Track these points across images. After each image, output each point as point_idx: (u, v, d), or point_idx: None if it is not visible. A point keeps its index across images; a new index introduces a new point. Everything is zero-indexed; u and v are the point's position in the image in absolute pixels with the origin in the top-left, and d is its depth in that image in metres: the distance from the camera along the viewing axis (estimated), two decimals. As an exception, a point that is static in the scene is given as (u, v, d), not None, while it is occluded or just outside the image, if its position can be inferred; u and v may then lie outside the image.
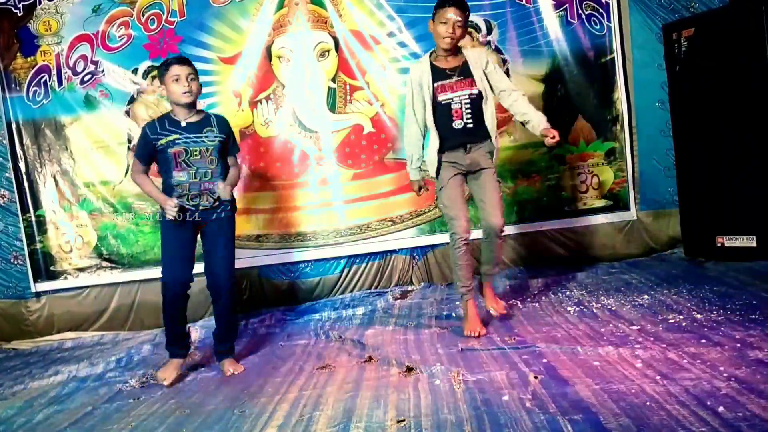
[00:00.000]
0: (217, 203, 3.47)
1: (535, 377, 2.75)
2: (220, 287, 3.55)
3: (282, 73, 4.96)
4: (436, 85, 3.48)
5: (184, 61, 3.44)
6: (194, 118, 3.46)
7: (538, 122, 3.44)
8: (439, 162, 3.54)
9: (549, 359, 2.96)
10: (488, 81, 3.52)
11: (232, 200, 3.56)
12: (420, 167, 3.69)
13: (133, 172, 3.58)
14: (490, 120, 3.52)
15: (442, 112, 3.51)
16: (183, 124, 3.42)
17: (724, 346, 2.80)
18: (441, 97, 3.49)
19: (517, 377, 2.79)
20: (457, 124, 3.48)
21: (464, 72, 3.49)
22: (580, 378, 2.66)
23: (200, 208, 3.44)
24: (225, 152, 3.53)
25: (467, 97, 3.48)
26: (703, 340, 2.92)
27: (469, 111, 3.47)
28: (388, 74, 4.97)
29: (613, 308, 3.72)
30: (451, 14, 3.38)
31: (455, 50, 3.51)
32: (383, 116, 4.97)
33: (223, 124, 3.54)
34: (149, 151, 3.45)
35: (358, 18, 4.93)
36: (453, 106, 3.48)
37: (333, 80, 4.98)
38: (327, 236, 5.04)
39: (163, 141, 3.37)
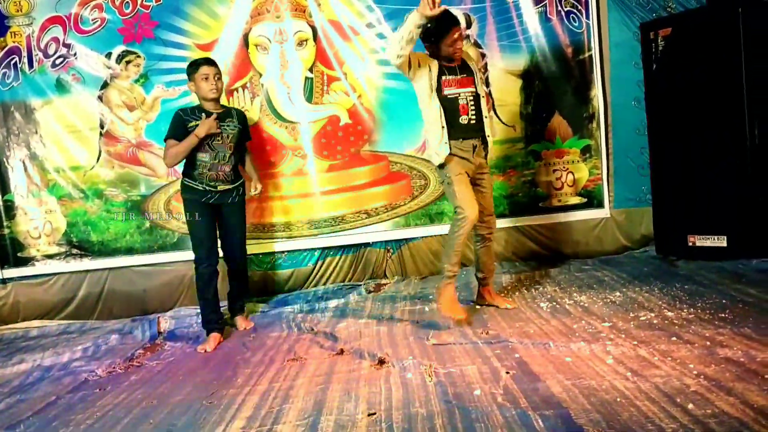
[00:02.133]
0: (232, 187, 3.99)
1: (507, 372, 2.75)
2: (236, 261, 4.18)
3: (259, 61, 4.90)
4: (443, 78, 3.54)
5: (211, 61, 3.96)
6: (219, 110, 3.93)
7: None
8: (452, 153, 3.57)
9: (521, 354, 2.96)
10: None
11: (244, 185, 4.14)
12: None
13: (166, 150, 3.88)
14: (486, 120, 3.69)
15: (448, 107, 3.54)
16: (211, 113, 3.88)
17: (694, 344, 2.82)
18: (447, 92, 3.54)
19: (489, 372, 2.78)
20: (464, 120, 3.56)
21: (466, 70, 3.62)
22: (551, 373, 2.67)
23: (219, 189, 3.93)
24: (242, 140, 4.08)
25: (471, 94, 3.58)
26: (674, 338, 2.95)
27: (473, 107, 3.57)
28: (367, 65, 4.93)
29: (586, 305, 3.73)
30: (457, 34, 3.50)
31: None
32: (360, 108, 4.93)
33: (241, 116, 4.09)
34: (182, 131, 3.84)
35: (337, 8, 4.88)
36: (459, 101, 3.55)
37: (310, 70, 4.93)
38: (301, 227, 5.00)
39: (192, 123, 3.84)
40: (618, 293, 3.88)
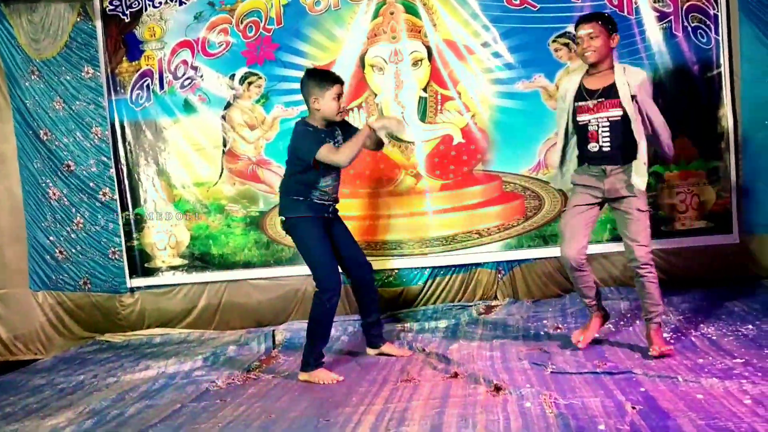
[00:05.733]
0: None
1: (633, 407, 2.61)
2: (364, 266, 3.78)
3: (374, 81, 4.97)
4: (576, 105, 3.41)
5: (341, 81, 3.58)
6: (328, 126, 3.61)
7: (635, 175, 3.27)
8: (574, 183, 3.53)
9: (647, 388, 2.82)
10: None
11: None
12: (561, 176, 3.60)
13: (331, 155, 3.43)
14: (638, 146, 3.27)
15: (579, 133, 3.43)
16: (326, 130, 3.57)
17: (844, 387, 2.59)
18: (579, 118, 3.39)
19: (613, 405, 2.66)
20: (592, 147, 3.36)
21: (608, 93, 3.31)
22: (682, 411, 2.52)
23: (334, 208, 3.68)
24: None
25: (606, 119, 3.31)
26: (819, 379, 2.72)
27: (606, 134, 3.31)
28: (481, 84, 4.89)
29: (714, 338, 3.52)
30: (581, 31, 3.34)
31: (608, 67, 3.36)
32: (474, 127, 4.90)
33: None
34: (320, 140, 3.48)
35: (453, 27, 4.87)
36: (589, 128, 3.35)
37: (424, 90, 4.95)
38: (412, 246, 5.00)
39: (330, 143, 3.51)
40: (750, 326, 3.64)
